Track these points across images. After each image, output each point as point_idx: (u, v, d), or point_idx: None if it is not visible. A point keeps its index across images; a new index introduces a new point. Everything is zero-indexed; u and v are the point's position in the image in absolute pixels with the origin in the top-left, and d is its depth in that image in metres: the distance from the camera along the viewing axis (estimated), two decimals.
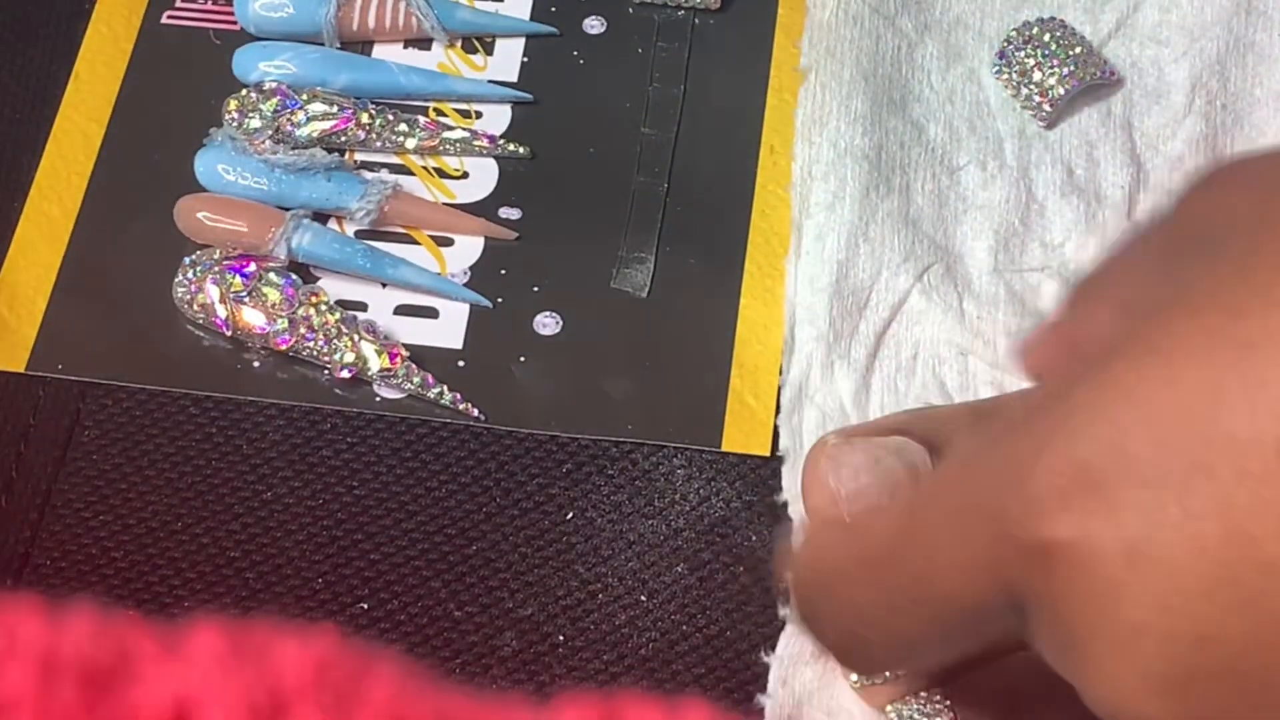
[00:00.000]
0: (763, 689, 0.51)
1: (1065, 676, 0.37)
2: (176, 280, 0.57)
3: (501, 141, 0.61)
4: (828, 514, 0.46)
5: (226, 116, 0.60)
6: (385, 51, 0.63)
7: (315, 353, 0.56)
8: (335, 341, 0.56)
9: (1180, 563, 0.34)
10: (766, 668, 0.51)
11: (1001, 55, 0.60)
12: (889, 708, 0.49)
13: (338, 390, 0.56)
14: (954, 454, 0.45)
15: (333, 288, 0.58)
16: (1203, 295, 0.35)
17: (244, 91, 0.60)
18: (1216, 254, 0.36)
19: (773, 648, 0.51)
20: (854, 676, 0.49)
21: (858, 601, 0.41)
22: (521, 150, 0.61)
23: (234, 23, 0.63)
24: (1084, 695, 0.36)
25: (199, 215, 0.58)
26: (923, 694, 0.49)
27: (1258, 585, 0.33)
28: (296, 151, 0.59)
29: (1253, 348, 0.33)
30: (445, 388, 0.56)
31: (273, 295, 0.56)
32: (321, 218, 0.59)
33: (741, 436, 0.55)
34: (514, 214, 0.60)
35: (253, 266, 0.57)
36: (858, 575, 0.41)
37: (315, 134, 0.60)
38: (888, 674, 0.49)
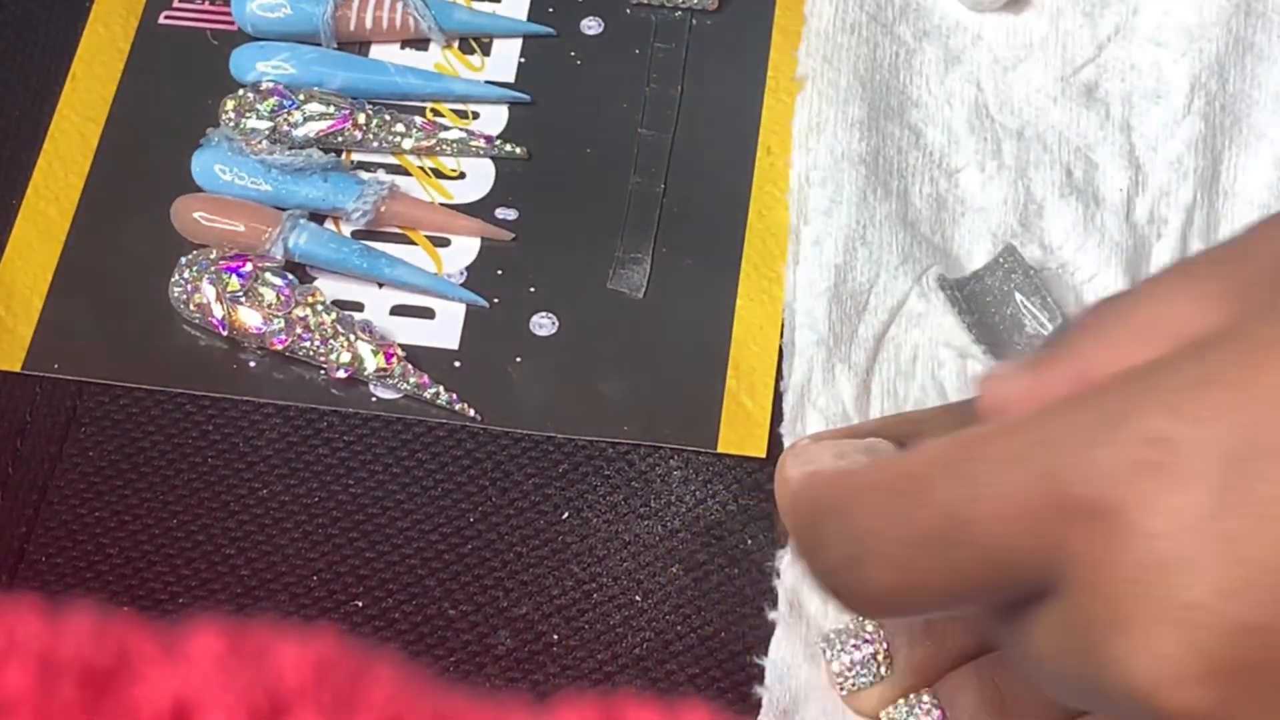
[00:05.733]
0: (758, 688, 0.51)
1: (1076, 664, 0.36)
2: (173, 280, 0.57)
3: (498, 142, 0.61)
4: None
5: (223, 116, 0.60)
6: (382, 52, 0.63)
7: (311, 352, 0.56)
8: (331, 341, 0.56)
9: (1248, 547, 0.33)
10: (761, 669, 0.51)
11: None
12: (882, 715, 0.49)
13: (334, 390, 0.56)
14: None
15: (329, 288, 0.58)
16: None
17: (241, 92, 0.60)
18: None
19: (765, 651, 0.51)
20: (842, 686, 0.49)
21: (875, 528, 0.39)
22: (518, 151, 0.61)
23: (231, 23, 0.63)
24: (1107, 680, 0.35)
25: (196, 215, 0.58)
26: (912, 696, 0.49)
27: None
28: (293, 152, 0.59)
29: None
30: (441, 388, 0.56)
31: (269, 295, 0.56)
32: (318, 218, 0.59)
33: (737, 438, 0.55)
34: (510, 214, 0.60)
35: (249, 266, 0.57)
36: (883, 501, 0.39)
37: (312, 134, 0.60)
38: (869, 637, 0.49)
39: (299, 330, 0.56)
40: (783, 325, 0.57)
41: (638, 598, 0.53)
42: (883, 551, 0.39)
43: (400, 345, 0.56)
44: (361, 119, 0.60)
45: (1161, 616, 0.34)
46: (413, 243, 0.59)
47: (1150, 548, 0.34)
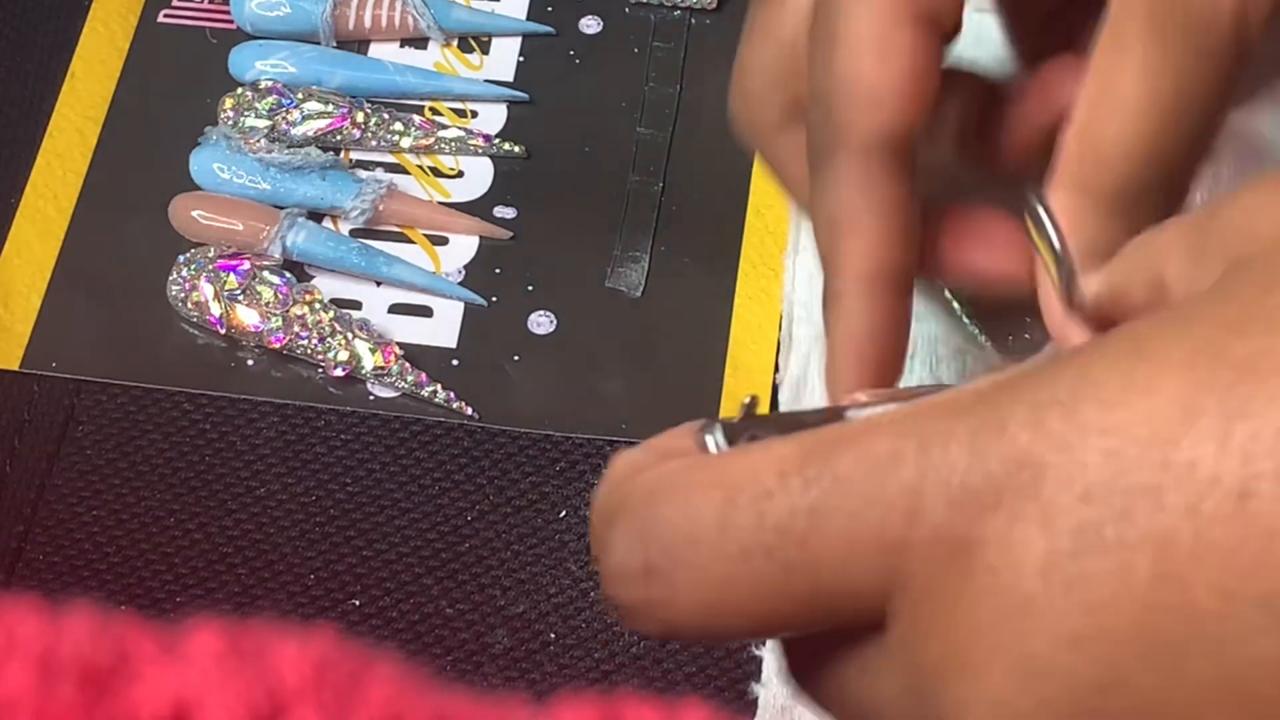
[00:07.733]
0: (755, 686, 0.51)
1: (912, 709, 0.32)
2: (171, 278, 0.57)
3: (497, 141, 0.61)
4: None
5: (222, 115, 0.60)
6: (381, 50, 0.63)
7: (309, 351, 0.56)
8: (329, 340, 0.56)
9: (1101, 595, 0.29)
10: (757, 666, 0.51)
11: None
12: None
13: (331, 388, 0.56)
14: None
15: (327, 286, 0.58)
16: (1207, 305, 0.31)
17: (240, 90, 0.61)
18: (1238, 269, 0.31)
19: (763, 642, 0.51)
20: None
21: (691, 535, 0.33)
22: (517, 149, 0.61)
23: (230, 22, 0.63)
24: None
25: (194, 214, 0.58)
26: None
27: (1180, 639, 0.29)
28: (292, 150, 0.59)
29: (1244, 372, 0.29)
30: (439, 386, 0.56)
31: (267, 293, 0.56)
32: (316, 216, 0.59)
33: None
34: (509, 213, 0.60)
35: (247, 265, 0.57)
36: (705, 502, 0.33)
37: (311, 133, 0.60)
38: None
39: (297, 328, 0.56)
40: (781, 320, 0.57)
41: None
42: (692, 564, 0.33)
43: (398, 343, 0.56)
44: (360, 118, 0.60)
45: (1004, 663, 0.30)
46: (411, 241, 0.59)
47: (997, 587, 0.30)
